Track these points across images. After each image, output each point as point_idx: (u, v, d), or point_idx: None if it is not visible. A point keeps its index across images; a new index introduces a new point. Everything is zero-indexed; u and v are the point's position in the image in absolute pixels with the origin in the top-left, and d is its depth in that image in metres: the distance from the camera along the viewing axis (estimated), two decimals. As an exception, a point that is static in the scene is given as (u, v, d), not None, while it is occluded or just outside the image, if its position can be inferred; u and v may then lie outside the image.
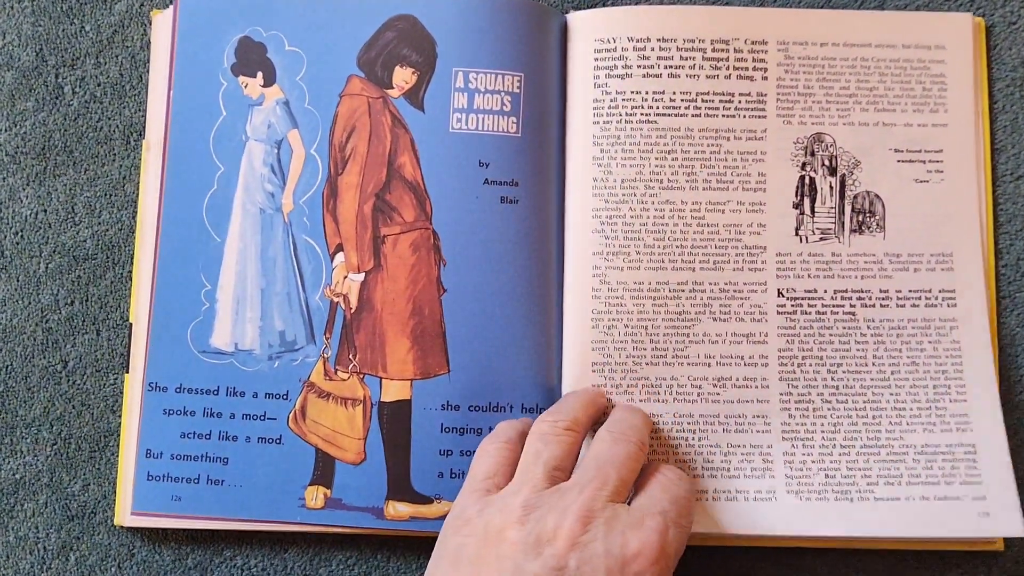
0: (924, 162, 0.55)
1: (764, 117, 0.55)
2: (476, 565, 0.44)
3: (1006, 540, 0.53)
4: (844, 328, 0.54)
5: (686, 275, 0.54)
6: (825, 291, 0.54)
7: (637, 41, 0.55)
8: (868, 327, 0.54)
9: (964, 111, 0.55)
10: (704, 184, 0.54)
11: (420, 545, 0.55)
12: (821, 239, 0.54)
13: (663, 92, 0.55)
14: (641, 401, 0.53)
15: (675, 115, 0.55)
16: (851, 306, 0.54)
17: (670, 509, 0.45)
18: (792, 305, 0.54)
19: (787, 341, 0.54)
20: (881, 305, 0.54)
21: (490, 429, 0.53)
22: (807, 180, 0.55)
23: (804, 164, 0.55)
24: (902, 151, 0.55)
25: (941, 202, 0.55)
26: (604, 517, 0.44)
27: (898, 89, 0.55)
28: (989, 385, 0.53)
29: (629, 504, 0.46)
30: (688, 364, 0.53)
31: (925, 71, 0.55)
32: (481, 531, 0.45)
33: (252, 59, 0.57)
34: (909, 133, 0.55)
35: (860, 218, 0.54)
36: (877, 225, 0.54)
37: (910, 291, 0.54)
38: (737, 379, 0.53)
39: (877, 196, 0.54)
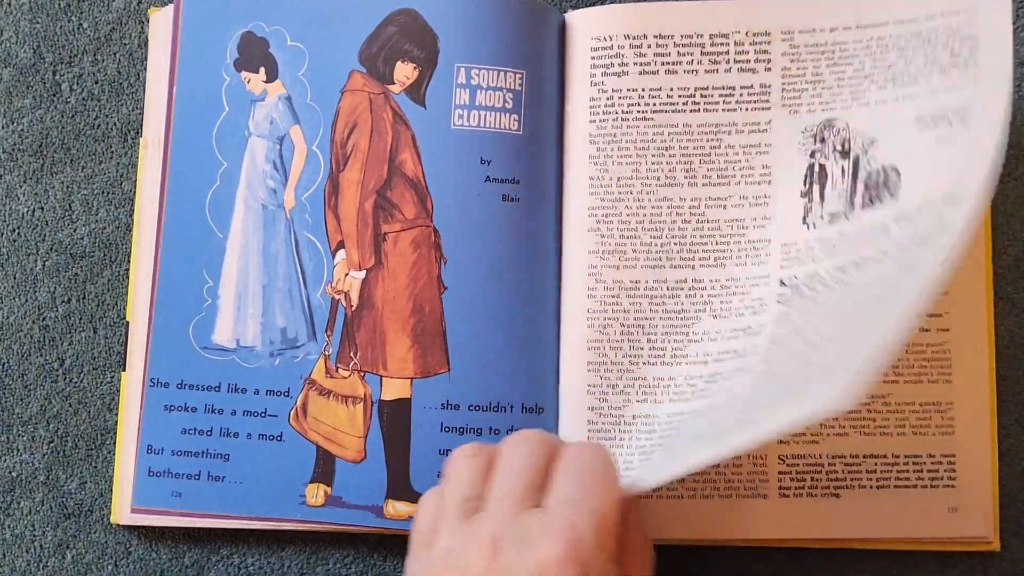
0: (951, 123, 0.53)
1: (768, 108, 0.54)
2: None
3: (1002, 540, 0.54)
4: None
5: (685, 272, 0.54)
6: (826, 271, 0.53)
7: (633, 39, 0.55)
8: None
9: (999, 66, 0.51)
10: (704, 180, 0.54)
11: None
12: (830, 222, 0.54)
13: (660, 89, 0.55)
14: (638, 402, 0.53)
15: (673, 111, 0.54)
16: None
17: (576, 492, 0.43)
18: (792, 292, 0.53)
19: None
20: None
21: (491, 430, 0.53)
22: (817, 167, 0.54)
23: (813, 152, 0.54)
24: (925, 117, 0.53)
25: (963, 161, 0.52)
26: (512, 537, 0.41)
27: (921, 61, 0.53)
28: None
29: (546, 498, 0.44)
30: (687, 363, 0.53)
31: (954, 35, 0.52)
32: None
33: (255, 55, 0.57)
34: (935, 99, 0.52)
35: (872, 193, 0.53)
36: (890, 194, 0.53)
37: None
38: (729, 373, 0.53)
39: (894, 169, 0.53)
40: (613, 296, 0.54)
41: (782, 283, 0.53)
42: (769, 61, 0.55)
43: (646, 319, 0.53)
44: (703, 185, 0.54)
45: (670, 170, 0.54)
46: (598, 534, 0.41)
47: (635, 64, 0.55)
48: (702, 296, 0.53)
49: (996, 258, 0.55)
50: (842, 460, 0.53)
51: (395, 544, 0.55)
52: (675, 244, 0.54)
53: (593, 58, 0.55)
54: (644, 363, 0.53)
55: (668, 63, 0.55)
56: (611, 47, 0.55)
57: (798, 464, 0.53)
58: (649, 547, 0.45)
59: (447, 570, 0.41)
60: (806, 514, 0.53)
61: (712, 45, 0.55)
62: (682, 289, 0.54)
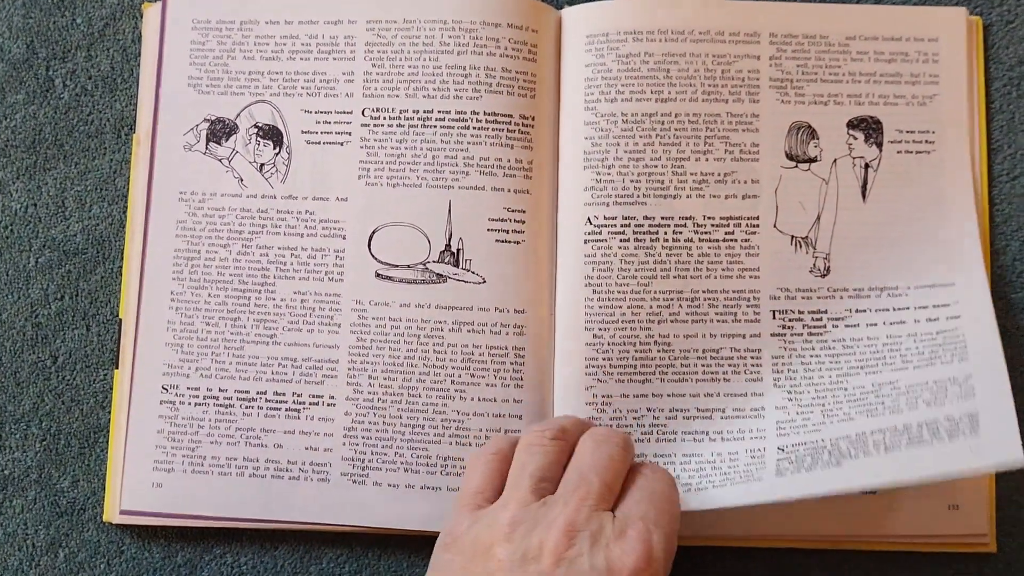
0: (913, 153, 0.55)
1: (758, 102, 0.55)
2: None
3: (999, 542, 0.53)
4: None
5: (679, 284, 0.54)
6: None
7: (622, 33, 0.55)
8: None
9: (957, 105, 0.55)
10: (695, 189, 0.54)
11: (410, 543, 0.54)
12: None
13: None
14: (637, 396, 0.53)
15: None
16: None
17: (650, 511, 0.45)
18: (785, 310, 0.54)
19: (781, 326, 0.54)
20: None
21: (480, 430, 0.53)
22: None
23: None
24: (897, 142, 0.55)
25: (934, 184, 0.55)
26: (589, 530, 0.43)
27: (887, 85, 0.55)
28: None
29: (616, 508, 0.46)
30: (678, 381, 0.53)
31: (919, 62, 0.55)
32: (469, 548, 0.44)
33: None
34: (903, 123, 0.55)
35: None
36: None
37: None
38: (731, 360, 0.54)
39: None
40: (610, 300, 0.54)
41: (771, 298, 0.54)
42: (758, 57, 0.55)
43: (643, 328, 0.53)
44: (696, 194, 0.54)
45: (661, 175, 0.54)
46: (666, 558, 0.44)
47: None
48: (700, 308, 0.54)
49: (995, 258, 0.55)
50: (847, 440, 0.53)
51: (387, 543, 0.55)
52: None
53: (587, 53, 0.55)
54: (645, 380, 0.53)
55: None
56: (605, 43, 0.55)
57: (798, 450, 0.53)
58: None
59: (510, 540, 0.43)
60: (804, 509, 0.52)
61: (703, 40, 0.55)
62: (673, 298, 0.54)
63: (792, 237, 0.54)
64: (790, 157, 0.54)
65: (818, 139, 0.54)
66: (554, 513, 0.44)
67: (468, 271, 0.54)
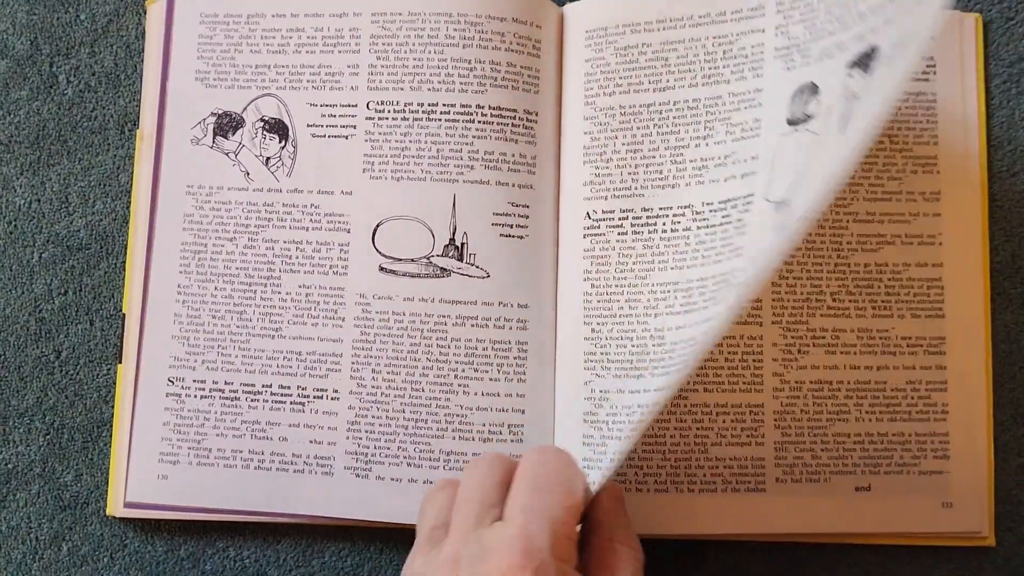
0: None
1: (761, 76, 0.55)
2: None
3: (998, 536, 0.54)
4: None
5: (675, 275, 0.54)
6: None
7: (620, 26, 0.55)
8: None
9: (953, 109, 0.55)
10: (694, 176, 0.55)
11: (412, 538, 0.54)
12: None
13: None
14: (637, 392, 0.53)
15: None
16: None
17: (531, 500, 0.42)
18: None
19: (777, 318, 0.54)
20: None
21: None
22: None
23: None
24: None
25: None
26: (468, 554, 0.41)
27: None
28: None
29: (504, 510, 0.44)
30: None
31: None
32: None
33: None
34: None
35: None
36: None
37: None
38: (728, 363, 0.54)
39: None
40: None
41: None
42: (763, 30, 0.55)
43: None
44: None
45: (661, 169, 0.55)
46: (554, 540, 0.40)
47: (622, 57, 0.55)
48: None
49: (994, 254, 0.55)
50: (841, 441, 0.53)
51: (390, 537, 0.55)
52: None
53: (587, 50, 0.56)
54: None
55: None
56: (604, 39, 0.55)
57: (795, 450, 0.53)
58: (635, 547, 0.44)
59: None
60: (802, 507, 0.53)
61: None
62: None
63: (776, 204, 0.54)
64: (791, 123, 0.53)
65: (819, 94, 0.53)
66: (445, 552, 0.42)
67: (472, 265, 0.54)
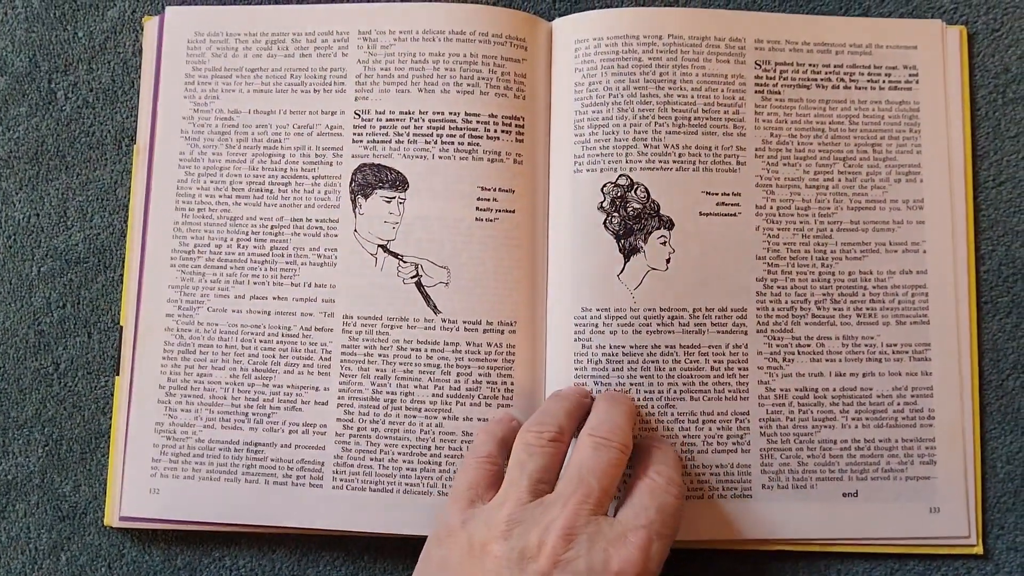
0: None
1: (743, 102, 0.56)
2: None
3: (986, 545, 0.54)
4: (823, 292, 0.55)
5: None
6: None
7: (608, 39, 0.56)
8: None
9: (937, 119, 0.56)
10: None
11: (406, 547, 0.55)
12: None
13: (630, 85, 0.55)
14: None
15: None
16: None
17: (655, 520, 0.45)
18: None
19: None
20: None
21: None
22: None
23: None
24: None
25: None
26: (587, 533, 0.44)
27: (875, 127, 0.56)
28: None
29: (616, 510, 0.46)
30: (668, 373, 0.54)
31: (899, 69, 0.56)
32: (465, 543, 0.45)
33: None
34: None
35: None
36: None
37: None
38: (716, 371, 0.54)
39: None
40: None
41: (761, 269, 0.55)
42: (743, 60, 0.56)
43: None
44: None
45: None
46: (660, 563, 0.45)
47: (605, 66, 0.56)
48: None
49: (980, 263, 0.55)
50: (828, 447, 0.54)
51: (384, 547, 0.56)
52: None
53: (576, 61, 0.56)
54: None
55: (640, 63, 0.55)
56: (589, 50, 0.56)
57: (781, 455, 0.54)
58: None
59: (507, 538, 0.44)
60: (789, 513, 0.53)
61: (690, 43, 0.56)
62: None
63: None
64: None
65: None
66: (552, 514, 0.44)
67: (462, 283, 0.55)
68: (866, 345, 0.54)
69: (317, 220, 0.56)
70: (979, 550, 0.54)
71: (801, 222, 0.55)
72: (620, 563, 0.43)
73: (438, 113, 0.56)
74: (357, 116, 0.56)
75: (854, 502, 0.53)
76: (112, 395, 0.57)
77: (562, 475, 0.47)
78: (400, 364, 0.54)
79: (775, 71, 0.56)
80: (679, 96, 0.55)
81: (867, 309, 0.54)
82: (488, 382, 0.54)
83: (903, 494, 0.53)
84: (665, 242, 0.54)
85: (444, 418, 0.54)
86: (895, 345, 0.54)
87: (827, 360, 0.54)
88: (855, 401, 0.54)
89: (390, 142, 0.56)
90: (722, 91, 0.55)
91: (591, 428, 0.49)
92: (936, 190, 0.55)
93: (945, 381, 0.54)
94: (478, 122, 0.55)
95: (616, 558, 0.43)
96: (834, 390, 0.54)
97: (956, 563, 0.54)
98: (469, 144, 0.55)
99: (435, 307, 0.54)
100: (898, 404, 0.54)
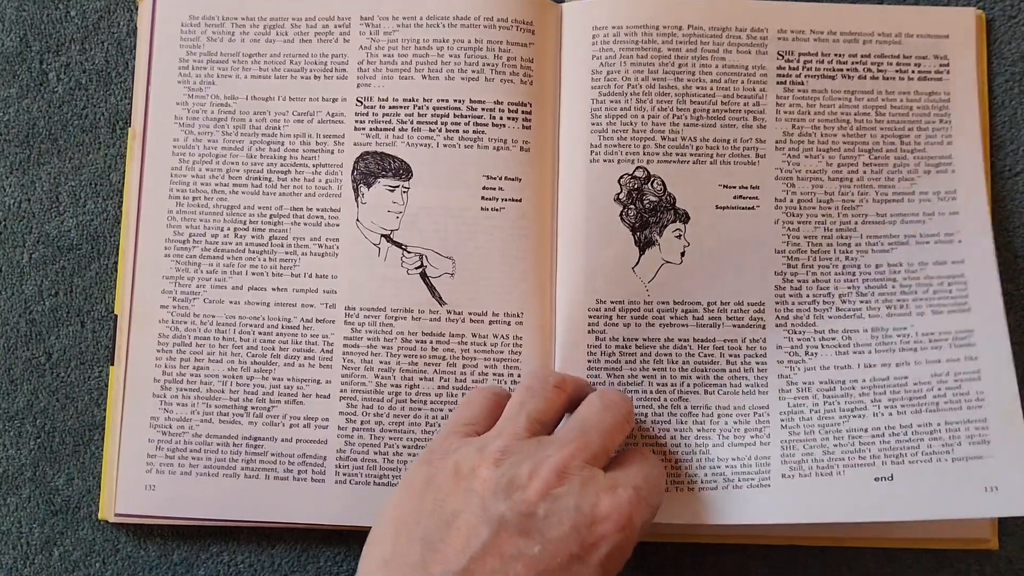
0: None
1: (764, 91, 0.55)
2: (442, 495, 0.44)
3: (1000, 540, 0.53)
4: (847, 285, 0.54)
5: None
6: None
7: (628, 28, 0.54)
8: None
9: (969, 110, 0.55)
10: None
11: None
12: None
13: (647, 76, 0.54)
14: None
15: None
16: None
17: (643, 486, 0.45)
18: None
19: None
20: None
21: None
22: None
23: None
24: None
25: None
26: (580, 476, 0.43)
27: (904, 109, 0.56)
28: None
29: (607, 472, 0.46)
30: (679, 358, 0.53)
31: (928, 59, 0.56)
32: (452, 466, 0.44)
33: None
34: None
35: None
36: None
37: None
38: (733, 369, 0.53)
39: None
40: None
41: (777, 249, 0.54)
42: (766, 47, 0.55)
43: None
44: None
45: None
46: (641, 528, 0.44)
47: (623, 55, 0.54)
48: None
49: (998, 254, 0.55)
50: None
51: (386, 542, 0.55)
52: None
53: (593, 48, 0.55)
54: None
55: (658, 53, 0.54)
56: (607, 38, 0.54)
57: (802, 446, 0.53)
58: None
59: (498, 465, 0.44)
60: (812, 499, 0.52)
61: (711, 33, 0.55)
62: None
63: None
64: None
65: None
66: (548, 451, 0.44)
67: (467, 273, 0.54)
68: (898, 336, 0.53)
69: (318, 209, 0.55)
70: (994, 546, 0.53)
71: (823, 215, 0.54)
72: (608, 508, 0.43)
73: (442, 100, 0.55)
74: (359, 103, 0.55)
75: (890, 485, 0.52)
76: (106, 386, 0.56)
77: (564, 424, 0.48)
78: (404, 356, 0.53)
79: (798, 61, 0.55)
80: (698, 88, 0.54)
81: (898, 301, 0.54)
82: (495, 374, 0.53)
83: (951, 475, 0.52)
84: (680, 235, 0.53)
85: (450, 411, 0.53)
86: (931, 334, 0.53)
87: (855, 353, 0.53)
88: (888, 390, 0.53)
89: (393, 130, 0.55)
90: (743, 82, 0.55)
91: (600, 393, 0.49)
92: (970, 181, 0.55)
93: (994, 364, 0.53)
94: (483, 109, 0.54)
95: (605, 503, 0.43)
96: (864, 381, 0.53)
97: (969, 559, 0.54)
98: (474, 131, 0.54)
99: (440, 298, 0.54)
100: (939, 389, 0.53)
